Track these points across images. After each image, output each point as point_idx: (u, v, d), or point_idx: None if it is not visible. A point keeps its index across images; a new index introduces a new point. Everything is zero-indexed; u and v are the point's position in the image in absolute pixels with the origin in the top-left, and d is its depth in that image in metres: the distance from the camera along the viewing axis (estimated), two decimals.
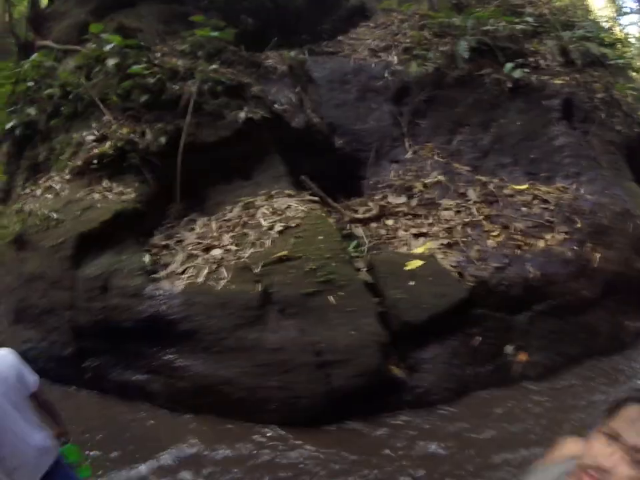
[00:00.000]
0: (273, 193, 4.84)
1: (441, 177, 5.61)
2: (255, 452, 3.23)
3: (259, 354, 3.49)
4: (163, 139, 4.82)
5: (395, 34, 6.65)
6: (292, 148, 5.48)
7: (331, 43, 6.67)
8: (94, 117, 5.26)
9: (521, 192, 5.58)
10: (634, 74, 7.56)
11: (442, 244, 4.65)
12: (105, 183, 4.66)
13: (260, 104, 5.45)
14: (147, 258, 4.05)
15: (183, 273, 3.89)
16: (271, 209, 4.49)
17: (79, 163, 4.82)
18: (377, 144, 5.95)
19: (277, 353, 3.47)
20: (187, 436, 3.38)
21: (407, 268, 4.15)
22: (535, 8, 7.25)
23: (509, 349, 4.32)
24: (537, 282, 4.48)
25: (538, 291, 4.51)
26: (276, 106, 5.62)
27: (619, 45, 7.45)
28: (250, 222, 4.37)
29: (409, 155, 5.89)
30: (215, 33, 5.26)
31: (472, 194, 5.44)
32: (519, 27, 6.41)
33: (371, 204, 5.38)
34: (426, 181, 5.57)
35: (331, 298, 3.64)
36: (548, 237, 4.94)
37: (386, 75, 6.13)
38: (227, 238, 4.15)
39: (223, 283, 3.69)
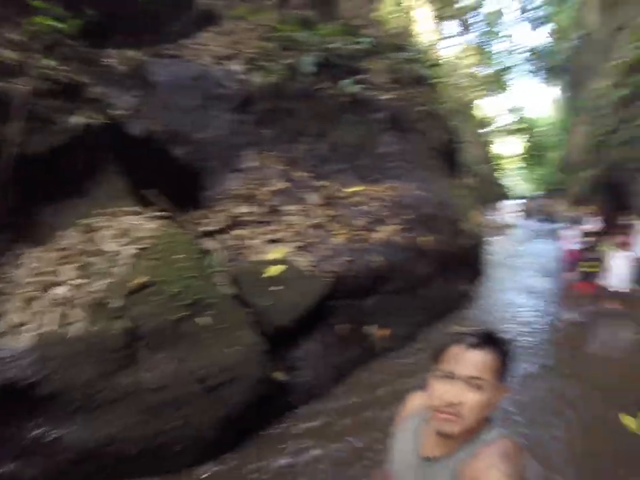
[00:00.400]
0: (115, 210, 4.31)
1: (284, 184, 5.87)
2: None
3: (141, 398, 3.10)
4: None
5: (240, 42, 6.55)
6: (132, 158, 4.98)
7: (175, 46, 6.30)
8: None
9: (357, 193, 6.24)
10: (446, 90, 8.85)
11: (294, 247, 4.94)
12: None
13: (98, 108, 4.83)
14: None
15: (26, 322, 3.17)
16: (116, 230, 3.98)
17: None
18: (220, 153, 5.84)
19: (160, 392, 3.15)
20: None
21: (268, 274, 4.36)
22: (371, 30, 7.91)
23: (369, 329, 5.00)
24: (382, 268, 5.22)
25: (384, 275, 5.26)
26: (115, 111, 5.07)
27: (437, 66, 8.63)
28: (94, 248, 3.79)
29: (252, 164, 5.95)
30: (59, 23, 4.49)
31: (314, 198, 5.86)
32: (356, 46, 6.93)
33: (218, 215, 5.28)
34: (270, 189, 5.73)
35: (202, 319, 3.50)
36: (385, 229, 5.69)
37: (230, 83, 6.03)
38: (70, 270, 3.52)
39: (79, 326, 3.13)
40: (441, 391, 1.21)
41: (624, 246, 7.48)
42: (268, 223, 5.33)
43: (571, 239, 9.60)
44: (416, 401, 1.52)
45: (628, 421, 3.78)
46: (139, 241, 3.88)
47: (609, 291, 7.40)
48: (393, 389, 4.21)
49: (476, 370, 1.20)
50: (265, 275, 4.34)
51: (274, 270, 4.40)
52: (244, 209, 5.43)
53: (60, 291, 3.37)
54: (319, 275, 4.62)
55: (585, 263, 8.41)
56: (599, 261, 7.85)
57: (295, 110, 6.40)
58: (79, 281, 3.44)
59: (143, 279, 3.47)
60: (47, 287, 3.41)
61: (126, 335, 3.15)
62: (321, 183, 6.17)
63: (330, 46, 6.61)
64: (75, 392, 2.96)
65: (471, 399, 1.19)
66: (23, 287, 3.41)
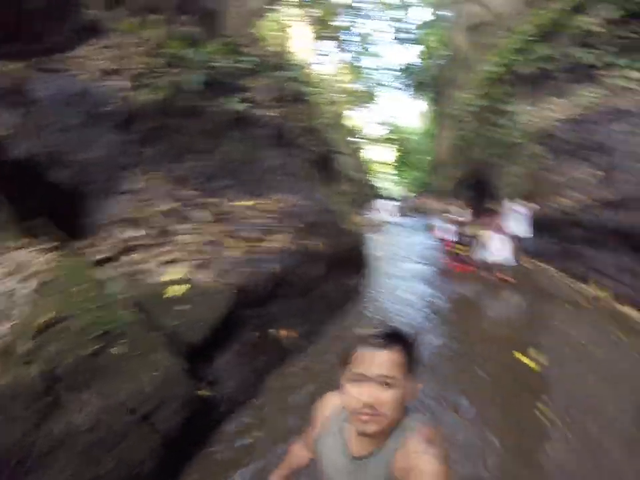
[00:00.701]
0: (3, 245, 3.99)
1: (173, 204, 5.85)
2: None
3: (75, 443, 2.89)
4: None
5: (126, 57, 6.34)
6: (13, 183, 4.67)
7: (59, 59, 5.90)
8: None
9: (247, 207, 6.48)
10: (323, 105, 9.59)
11: (193, 265, 5.00)
12: None
13: None
14: None
15: None
16: (8, 266, 3.71)
17: None
18: (105, 175, 5.64)
19: (93, 433, 2.97)
20: None
21: (172, 295, 4.39)
22: (253, 48, 8.16)
23: (277, 332, 5.25)
24: (279, 275, 5.50)
25: (282, 281, 5.54)
26: None
27: (315, 83, 9.28)
28: None
29: (139, 185, 5.84)
30: None
31: (205, 215, 5.95)
32: (240, 65, 7.15)
33: (109, 241, 5.12)
34: (159, 209, 5.69)
35: (117, 349, 3.42)
36: (277, 238, 5.99)
37: (114, 100, 5.84)
38: None
39: None
40: (356, 393, 1.24)
41: (496, 227, 8.89)
42: (161, 244, 5.31)
43: (445, 228, 11.04)
44: (332, 402, 1.54)
45: (520, 355, 5.16)
46: (35, 275, 3.68)
47: (487, 267, 8.85)
48: (307, 391, 4.45)
49: (385, 369, 1.23)
50: (168, 296, 4.37)
51: (176, 290, 4.45)
52: (135, 232, 5.35)
53: None
54: (222, 289, 4.73)
55: (458, 247, 9.95)
56: (470, 244, 9.35)
57: (181, 127, 6.42)
58: None
59: (47, 317, 3.32)
60: None
61: (43, 379, 2.96)
62: (210, 199, 6.29)
63: (215, 64, 6.77)
64: (6, 452, 2.66)
65: (385, 397, 1.22)
66: None
